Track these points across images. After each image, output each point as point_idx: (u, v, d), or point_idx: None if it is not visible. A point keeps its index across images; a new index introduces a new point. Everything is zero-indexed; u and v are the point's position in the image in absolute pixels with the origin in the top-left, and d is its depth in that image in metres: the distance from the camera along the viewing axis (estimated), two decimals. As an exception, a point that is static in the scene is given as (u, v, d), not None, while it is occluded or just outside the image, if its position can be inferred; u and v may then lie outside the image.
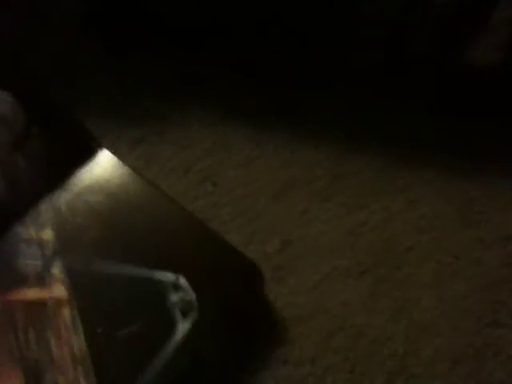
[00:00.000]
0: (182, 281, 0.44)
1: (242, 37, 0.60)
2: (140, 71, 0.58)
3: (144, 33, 0.62)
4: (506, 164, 0.58)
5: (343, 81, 0.61)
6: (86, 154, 0.47)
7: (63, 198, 0.44)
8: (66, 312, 0.40)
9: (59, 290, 0.41)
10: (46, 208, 0.42)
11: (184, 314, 0.43)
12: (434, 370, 0.47)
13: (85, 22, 0.62)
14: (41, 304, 0.40)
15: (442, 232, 0.53)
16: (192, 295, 0.43)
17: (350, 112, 0.61)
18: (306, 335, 0.48)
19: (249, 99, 0.60)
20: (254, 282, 0.45)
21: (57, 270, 0.42)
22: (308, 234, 0.52)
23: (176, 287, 0.44)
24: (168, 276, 0.44)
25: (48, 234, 0.43)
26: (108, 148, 0.50)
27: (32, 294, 0.41)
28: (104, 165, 0.46)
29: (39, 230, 0.42)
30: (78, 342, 0.39)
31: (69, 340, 0.39)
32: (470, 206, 0.55)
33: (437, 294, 0.50)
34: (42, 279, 0.41)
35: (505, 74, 0.60)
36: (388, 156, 0.57)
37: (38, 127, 0.46)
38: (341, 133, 0.59)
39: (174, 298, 0.43)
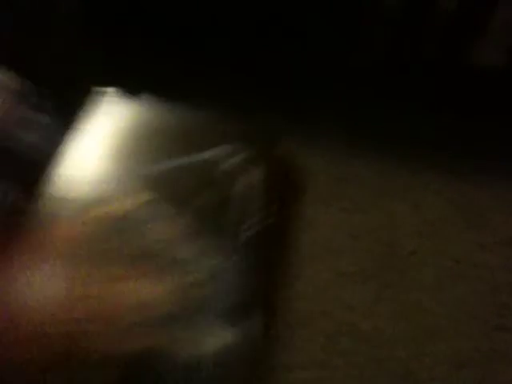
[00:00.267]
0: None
1: (242, 37, 0.60)
2: (140, 71, 0.58)
3: (144, 33, 0.62)
4: (506, 164, 0.58)
5: (343, 81, 0.61)
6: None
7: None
8: (154, 208, 0.45)
9: (144, 196, 0.45)
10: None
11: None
12: (439, 374, 0.47)
13: (85, 22, 0.62)
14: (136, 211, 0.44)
15: (444, 235, 0.53)
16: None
17: (349, 112, 0.61)
18: (311, 339, 0.48)
19: (248, 98, 0.60)
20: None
21: (129, 182, 0.46)
22: (313, 239, 0.52)
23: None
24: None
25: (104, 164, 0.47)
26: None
27: (126, 205, 0.45)
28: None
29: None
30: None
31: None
32: (470, 208, 0.55)
33: (440, 297, 0.50)
34: (119, 196, 0.45)
35: (505, 74, 0.61)
36: (389, 157, 0.57)
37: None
38: (341, 133, 0.58)
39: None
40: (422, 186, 0.55)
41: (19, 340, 0.40)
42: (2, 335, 0.39)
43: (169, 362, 0.41)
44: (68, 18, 0.62)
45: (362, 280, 0.50)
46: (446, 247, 0.53)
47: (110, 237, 0.44)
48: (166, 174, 0.48)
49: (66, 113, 0.49)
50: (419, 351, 0.48)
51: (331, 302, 0.49)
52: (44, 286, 0.42)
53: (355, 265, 0.51)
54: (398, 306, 0.50)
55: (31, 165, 0.46)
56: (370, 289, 0.50)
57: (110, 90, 0.51)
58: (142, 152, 0.48)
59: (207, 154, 0.49)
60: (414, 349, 0.48)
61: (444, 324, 0.50)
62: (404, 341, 0.49)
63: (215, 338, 0.42)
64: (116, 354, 0.41)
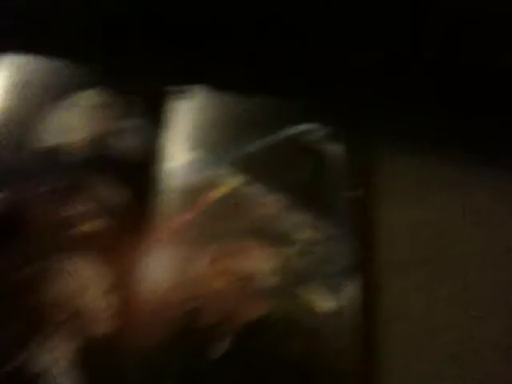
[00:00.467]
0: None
1: (242, 36, 0.60)
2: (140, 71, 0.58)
3: (144, 33, 0.62)
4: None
5: (343, 81, 0.62)
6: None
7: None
8: (253, 187, 0.51)
9: (237, 178, 0.51)
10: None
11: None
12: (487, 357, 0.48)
13: (86, 22, 0.62)
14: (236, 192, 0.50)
15: (495, 225, 0.54)
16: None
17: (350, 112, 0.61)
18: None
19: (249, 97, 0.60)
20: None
21: (222, 167, 0.51)
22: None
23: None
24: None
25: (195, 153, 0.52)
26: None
27: (221, 191, 0.50)
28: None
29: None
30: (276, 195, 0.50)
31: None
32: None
33: (491, 284, 0.51)
34: (218, 180, 0.50)
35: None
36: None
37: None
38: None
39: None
40: (473, 181, 0.57)
41: (142, 319, 0.45)
42: (128, 314, 0.45)
43: (280, 330, 0.46)
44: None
45: (416, 268, 0.53)
46: (498, 237, 0.55)
47: (216, 218, 0.50)
48: (254, 156, 0.53)
49: (151, 113, 0.54)
50: (468, 335, 0.50)
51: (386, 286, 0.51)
52: (165, 267, 0.47)
53: (409, 254, 0.54)
54: (450, 292, 0.52)
55: (134, 166, 0.51)
56: (425, 276, 0.53)
57: (185, 87, 0.55)
58: (227, 140, 0.53)
59: (289, 132, 0.54)
60: (466, 332, 0.50)
61: (495, 309, 0.51)
62: (455, 325, 0.51)
63: (321, 304, 0.47)
64: (231, 326, 0.45)
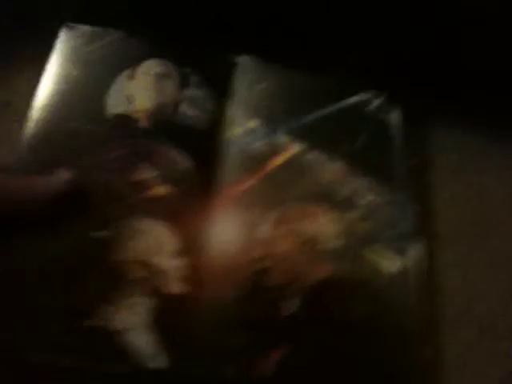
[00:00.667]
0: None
1: (296, 8, 0.61)
2: (198, 42, 0.59)
3: (201, 3, 0.62)
4: None
5: (399, 52, 0.62)
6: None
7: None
8: (312, 155, 0.52)
9: (296, 146, 0.53)
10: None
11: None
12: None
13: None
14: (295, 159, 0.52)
15: None
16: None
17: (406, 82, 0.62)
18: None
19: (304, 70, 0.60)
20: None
21: (280, 136, 0.53)
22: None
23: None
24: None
25: (253, 123, 0.54)
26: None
27: (280, 159, 0.52)
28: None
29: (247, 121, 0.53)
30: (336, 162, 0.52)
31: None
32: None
33: None
34: (277, 149, 0.52)
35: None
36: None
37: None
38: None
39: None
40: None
41: (212, 279, 0.47)
42: (199, 275, 0.46)
43: (346, 291, 0.48)
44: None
45: (451, 243, 0.53)
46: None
47: (278, 184, 0.51)
48: (313, 125, 0.54)
49: (210, 83, 0.55)
50: (504, 308, 0.51)
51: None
52: (231, 231, 0.49)
53: (446, 228, 0.54)
54: (486, 267, 0.53)
55: (198, 134, 0.53)
56: (459, 252, 0.53)
57: (243, 57, 0.57)
58: (286, 109, 0.55)
59: (346, 102, 0.56)
60: (504, 307, 0.51)
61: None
62: (491, 297, 0.52)
63: (387, 265, 0.49)
64: (298, 286, 0.47)
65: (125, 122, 0.52)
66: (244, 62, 0.56)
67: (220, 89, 0.55)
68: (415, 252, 0.49)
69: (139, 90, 0.53)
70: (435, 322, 0.49)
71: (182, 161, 0.51)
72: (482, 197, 0.56)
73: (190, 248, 0.47)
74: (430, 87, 0.58)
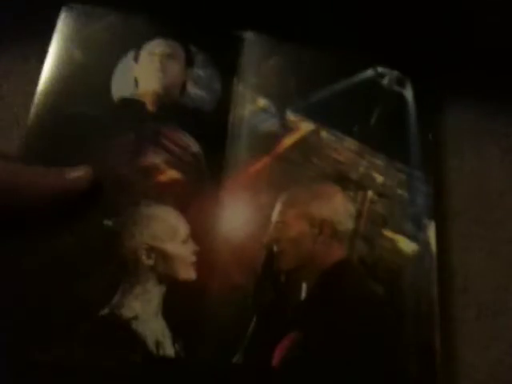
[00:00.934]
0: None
1: (249, 12, 0.59)
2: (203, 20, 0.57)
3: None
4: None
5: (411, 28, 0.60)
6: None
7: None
8: (324, 133, 0.51)
9: (307, 125, 0.52)
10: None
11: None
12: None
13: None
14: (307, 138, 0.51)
15: None
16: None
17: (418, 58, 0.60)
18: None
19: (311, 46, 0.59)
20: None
21: (290, 115, 0.52)
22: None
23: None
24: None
25: (262, 102, 0.52)
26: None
27: (291, 138, 0.51)
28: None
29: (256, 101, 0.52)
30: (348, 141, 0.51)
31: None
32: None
33: None
34: (287, 128, 0.51)
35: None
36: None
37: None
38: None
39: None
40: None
41: (222, 265, 0.46)
42: (209, 261, 0.46)
43: (361, 272, 0.47)
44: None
45: (453, 217, 0.53)
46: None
47: (290, 164, 0.50)
48: (323, 102, 0.53)
49: (216, 62, 0.53)
50: (507, 281, 0.50)
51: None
52: (242, 214, 0.48)
53: (447, 203, 0.53)
54: (486, 242, 0.52)
55: (206, 115, 0.51)
56: (460, 225, 0.53)
57: (250, 33, 0.55)
58: (294, 87, 0.53)
59: (357, 79, 0.54)
60: (502, 280, 0.50)
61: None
62: (492, 274, 0.51)
63: (402, 246, 0.48)
64: (312, 269, 0.47)
65: (131, 105, 0.51)
66: (251, 38, 0.55)
67: (227, 67, 0.53)
68: (430, 232, 0.48)
69: (145, 72, 0.52)
70: (451, 305, 0.48)
71: (190, 144, 0.50)
72: (492, 172, 0.55)
73: (201, 233, 0.47)
74: (441, 64, 0.57)
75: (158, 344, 0.43)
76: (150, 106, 0.51)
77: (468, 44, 0.59)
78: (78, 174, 0.45)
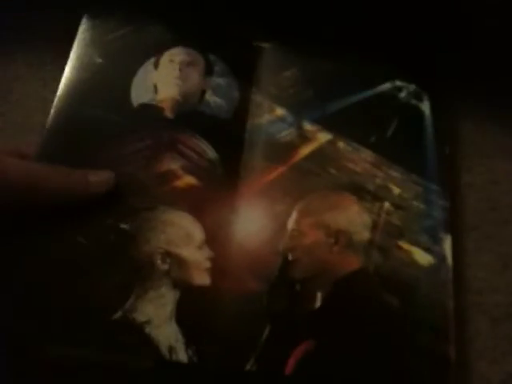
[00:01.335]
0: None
1: (268, 22, 0.59)
2: (222, 29, 0.58)
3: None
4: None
5: (426, 40, 0.60)
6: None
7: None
8: (341, 144, 0.51)
9: (324, 135, 0.52)
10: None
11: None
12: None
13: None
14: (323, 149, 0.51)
15: None
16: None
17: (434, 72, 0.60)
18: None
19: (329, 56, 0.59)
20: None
21: (307, 125, 0.52)
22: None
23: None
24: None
25: (279, 111, 0.53)
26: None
27: (308, 148, 0.51)
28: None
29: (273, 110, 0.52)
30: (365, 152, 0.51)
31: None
32: None
33: None
34: (304, 138, 0.51)
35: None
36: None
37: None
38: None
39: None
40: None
41: (236, 272, 0.46)
42: (223, 267, 0.46)
43: (376, 283, 0.47)
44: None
45: (466, 232, 0.52)
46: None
47: (305, 174, 0.50)
48: (340, 113, 0.53)
49: (234, 71, 0.54)
50: None
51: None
52: (256, 222, 0.48)
53: (459, 217, 0.53)
54: (497, 256, 0.52)
55: (223, 123, 0.52)
56: (473, 240, 0.52)
57: (268, 44, 0.55)
58: (311, 97, 0.54)
59: (376, 90, 0.55)
60: None
61: None
62: (503, 288, 0.50)
63: (417, 258, 0.48)
64: (326, 279, 0.46)
65: (149, 111, 0.51)
66: (269, 48, 0.55)
67: (245, 76, 0.54)
68: (445, 245, 0.48)
69: (164, 79, 0.53)
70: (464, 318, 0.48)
71: (207, 151, 0.50)
72: (505, 187, 0.55)
73: (216, 239, 0.47)
74: (456, 78, 0.57)
75: (170, 349, 0.43)
76: (168, 113, 0.51)
77: (483, 59, 0.59)
78: (101, 177, 0.46)
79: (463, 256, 0.51)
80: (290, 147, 0.51)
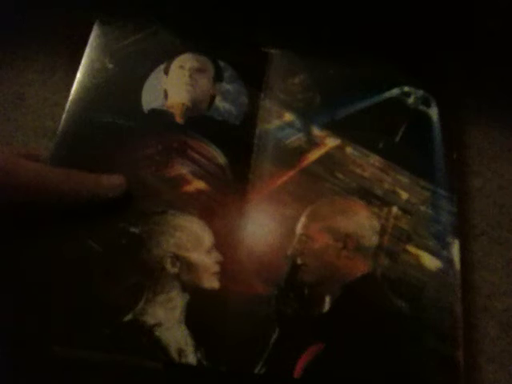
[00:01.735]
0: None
1: (276, 29, 0.60)
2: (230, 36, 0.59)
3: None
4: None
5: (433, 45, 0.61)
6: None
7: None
8: (349, 149, 0.52)
9: (332, 141, 0.52)
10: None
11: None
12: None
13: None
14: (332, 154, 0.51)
15: None
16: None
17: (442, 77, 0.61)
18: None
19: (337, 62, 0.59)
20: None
21: (316, 130, 0.53)
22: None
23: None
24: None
25: (288, 117, 0.53)
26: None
27: (316, 153, 0.52)
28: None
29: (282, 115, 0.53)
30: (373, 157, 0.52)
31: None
32: None
33: None
34: (312, 143, 0.52)
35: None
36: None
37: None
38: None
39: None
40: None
41: (244, 276, 0.47)
42: (232, 271, 0.46)
43: (384, 288, 0.47)
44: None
45: (474, 237, 0.52)
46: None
47: (314, 179, 0.51)
48: (348, 118, 0.54)
49: (243, 77, 0.55)
50: None
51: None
52: (265, 226, 0.48)
53: (468, 222, 0.53)
54: (505, 261, 0.52)
55: (232, 129, 0.52)
56: (482, 245, 0.52)
57: (277, 50, 0.56)
58: (320, 102, 0.54)
59: (384, 95, 0.55)
60: None
61: None
62: (508, 293, 0.50)
63: (425, 263, 0.48)
64: (334, 283, 0.47)
65: (160, 116, 0.52)
66: (278, 55, 0.56)
67: (254, 82, 0.54)
68: (454, 250, 0.48)
69: (174, 85, 0.53)
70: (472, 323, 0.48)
71: (216, 156, 0.50)
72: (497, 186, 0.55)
73: (225, 243, 0.47)
74: (465, 80, 0.58)
75: (180, 352, 0.43)
76: (178, 118, 0.52)
77: (491, 64, 0.59)
78: (113, 181, 0.46)
79: (471, 260, 0.51)
80: (299, 152, 0.52)
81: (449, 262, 0.48)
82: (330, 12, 0.61)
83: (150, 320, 0.44)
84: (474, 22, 0.61)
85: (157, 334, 0.44)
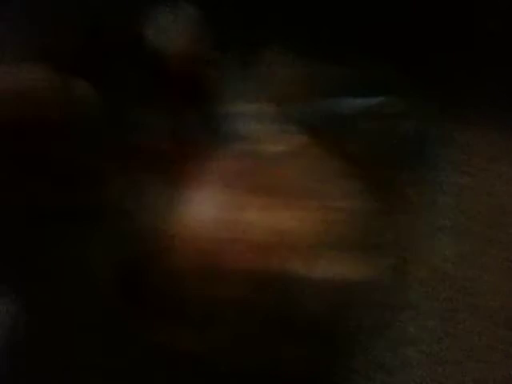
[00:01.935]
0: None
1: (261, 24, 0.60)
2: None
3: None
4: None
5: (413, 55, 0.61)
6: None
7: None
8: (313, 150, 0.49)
9: (302, 139, 0.50)
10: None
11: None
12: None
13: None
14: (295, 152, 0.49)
15: None
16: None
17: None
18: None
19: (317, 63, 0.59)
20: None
21: (287, 127, 0.50)
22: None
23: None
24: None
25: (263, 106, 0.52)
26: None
27: (285, 145, 0.49)
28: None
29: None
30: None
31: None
32: None
33: None
34: (280, 137, 0.49)
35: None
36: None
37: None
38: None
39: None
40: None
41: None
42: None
43: (302, 286, 0.44)
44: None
45: (467, 235, 0.52)
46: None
47: (270, 172, 0.48)
48: (321, 119, 0.51)
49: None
50: None
51: (436, 253, 0.51)
52: (203, 207, 0.47)
53: (459, 221, 0.53)
54: (501, 261, 0.51)
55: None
56: (475, 244, 0.52)
57: (265, 47, 0.55)
58: (296, 99, 0.52)
59: (359, 104, 0.52)
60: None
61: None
62: (505, 293, 0.50)
63: (354, 272, 0.45)
64: (253, 273, 0.45)
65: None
66: (270, 52, 0.55)
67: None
68: (387, 263, 0.46)
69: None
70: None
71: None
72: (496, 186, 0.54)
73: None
74: (460, 79, 0.57)
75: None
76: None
77: (486, 62, 0.59)
78: None
79: (467, 260, 0.50)
80: (263, 142, 0.49)
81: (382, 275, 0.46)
82: (326, 12, 0.61)
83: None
84: (473, 22, 0.60)
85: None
